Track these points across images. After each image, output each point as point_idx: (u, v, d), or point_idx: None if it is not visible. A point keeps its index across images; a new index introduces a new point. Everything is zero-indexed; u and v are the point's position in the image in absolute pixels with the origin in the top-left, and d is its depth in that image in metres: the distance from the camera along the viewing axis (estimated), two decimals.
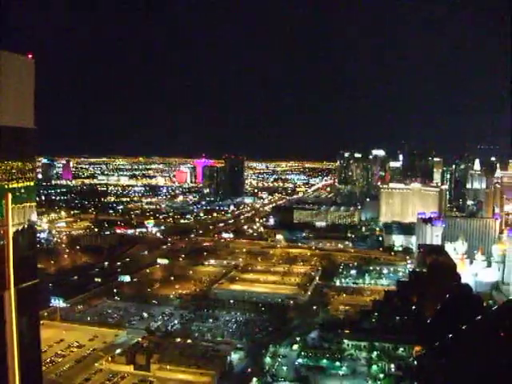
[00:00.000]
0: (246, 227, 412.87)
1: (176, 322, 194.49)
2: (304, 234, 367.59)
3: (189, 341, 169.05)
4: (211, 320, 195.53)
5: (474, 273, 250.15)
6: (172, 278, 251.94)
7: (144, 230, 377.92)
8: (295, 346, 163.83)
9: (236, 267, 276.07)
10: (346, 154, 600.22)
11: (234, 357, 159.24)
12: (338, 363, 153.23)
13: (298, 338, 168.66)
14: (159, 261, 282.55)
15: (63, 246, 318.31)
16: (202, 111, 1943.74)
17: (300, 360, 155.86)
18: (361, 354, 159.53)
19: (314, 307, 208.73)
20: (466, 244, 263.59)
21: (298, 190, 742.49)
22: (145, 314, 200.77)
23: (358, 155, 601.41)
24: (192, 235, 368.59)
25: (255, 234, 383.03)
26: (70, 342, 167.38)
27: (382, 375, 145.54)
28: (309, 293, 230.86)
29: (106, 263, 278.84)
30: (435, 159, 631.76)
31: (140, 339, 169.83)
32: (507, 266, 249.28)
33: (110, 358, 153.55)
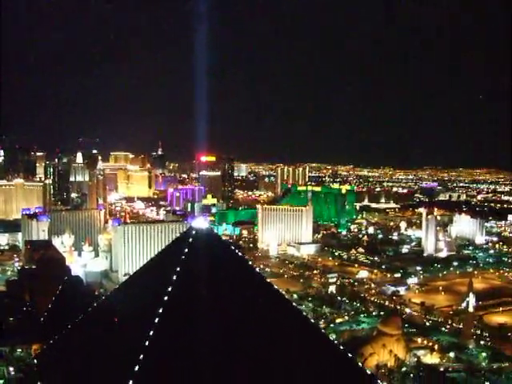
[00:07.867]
0: None
1: None
2: None
3: None
4: None
5: (83, 264, 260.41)
6: None
7: None
8: None
9: None
10: None
11: None
12: None
13: None
14: None
15: None
16: None
17: None
18: None
19: None
20: (73, 236, 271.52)
21: None
22: None
23: None
24: None
25: None
26: None
27: (1, 381, 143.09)
28: None
29: None
30: (38, 153, 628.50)
31: None
32: (114, 254, 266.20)
33: None
